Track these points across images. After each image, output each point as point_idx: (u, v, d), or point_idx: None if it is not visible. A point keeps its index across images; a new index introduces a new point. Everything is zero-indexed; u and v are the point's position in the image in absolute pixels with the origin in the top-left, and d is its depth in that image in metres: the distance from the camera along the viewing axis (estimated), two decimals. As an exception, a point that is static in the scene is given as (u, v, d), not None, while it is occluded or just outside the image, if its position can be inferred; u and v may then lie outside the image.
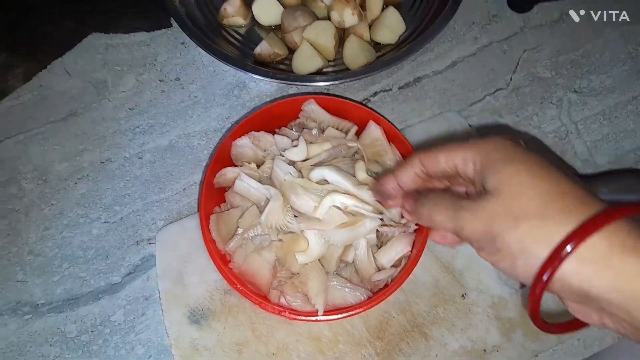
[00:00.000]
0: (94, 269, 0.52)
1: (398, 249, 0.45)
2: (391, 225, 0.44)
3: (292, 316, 0.43)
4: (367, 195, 0.44)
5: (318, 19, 0.59)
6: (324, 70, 0.59)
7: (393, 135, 0.49)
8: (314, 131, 0.49)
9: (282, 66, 0.60)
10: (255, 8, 0.60)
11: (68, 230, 0.53)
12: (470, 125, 0.57)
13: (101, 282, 0.51)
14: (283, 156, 0.47)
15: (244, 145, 0.49)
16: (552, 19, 0.63)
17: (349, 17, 0.57)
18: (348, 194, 0.43)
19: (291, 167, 0.46)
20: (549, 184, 0.29)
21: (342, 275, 0.45)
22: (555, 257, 0.27)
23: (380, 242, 0.46)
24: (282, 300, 0.43)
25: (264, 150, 0.49)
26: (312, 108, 0.51)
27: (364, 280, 0.45)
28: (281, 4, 0.61)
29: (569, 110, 0.59)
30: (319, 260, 0.45)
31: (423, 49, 0.58)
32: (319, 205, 0.43)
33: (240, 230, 0.46)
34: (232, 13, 0.60)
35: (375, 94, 0.60)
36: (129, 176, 0.55)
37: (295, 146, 0.47)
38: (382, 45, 0.60)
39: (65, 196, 0.55)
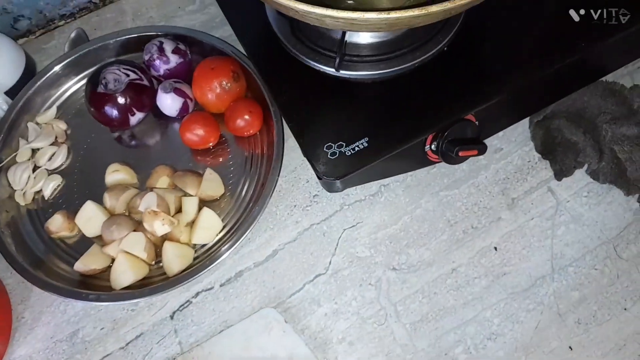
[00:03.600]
0: None
1: None
2: None
3: None
4: None
5: (137, 227, 0.61)
6: (148, 276, 0.60)
7: None
8: None
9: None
10: (78, 221, 0.63)
11: None
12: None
13: None
14: None
15: None
16: (370, 192, 0.64)
17: (159, 227, 0.59)
18: None
19: None
20: None
21: None
22: None
23: None
24: None
25: None
26: None
27: None
28: (109, 212, 0.63)
29: (388, 291, 0.59)
30: None
31: (245, 240, 0.60)
32: None
33: None
34: (55, 230, 0.62)
35: (197, 294, 0.60)
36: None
37: None
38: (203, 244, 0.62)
39: None
